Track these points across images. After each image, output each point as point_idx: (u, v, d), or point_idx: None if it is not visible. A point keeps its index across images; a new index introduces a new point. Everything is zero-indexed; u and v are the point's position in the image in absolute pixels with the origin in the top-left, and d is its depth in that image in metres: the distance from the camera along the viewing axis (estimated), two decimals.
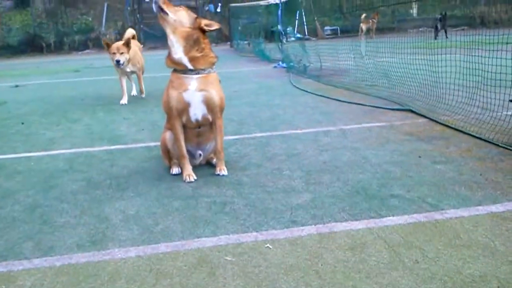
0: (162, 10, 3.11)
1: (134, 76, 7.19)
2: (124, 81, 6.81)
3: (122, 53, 6.25)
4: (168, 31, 3.14)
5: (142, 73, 7.11)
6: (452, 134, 4.07)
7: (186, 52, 3.12)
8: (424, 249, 2.10)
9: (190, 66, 3.14)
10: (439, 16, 16.69)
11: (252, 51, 15.21)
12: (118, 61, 6.25)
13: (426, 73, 5.45)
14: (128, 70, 6.67)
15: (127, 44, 6.33)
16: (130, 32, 7.01)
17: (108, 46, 6.35)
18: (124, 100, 6.69)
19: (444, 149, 3.63)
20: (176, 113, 3.20)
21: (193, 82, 3.16)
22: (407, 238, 2.22)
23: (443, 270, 1.92)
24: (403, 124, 4.53)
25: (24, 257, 2.23)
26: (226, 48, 19.28)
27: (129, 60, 6.45)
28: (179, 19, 3.12)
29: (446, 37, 14.45)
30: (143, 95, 7.18)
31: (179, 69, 3.18)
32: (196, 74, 3.16)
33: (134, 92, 7.41)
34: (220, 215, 2.61)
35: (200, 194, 2.96)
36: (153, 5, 3.13)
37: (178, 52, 3.13)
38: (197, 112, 3.21)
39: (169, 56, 3.19)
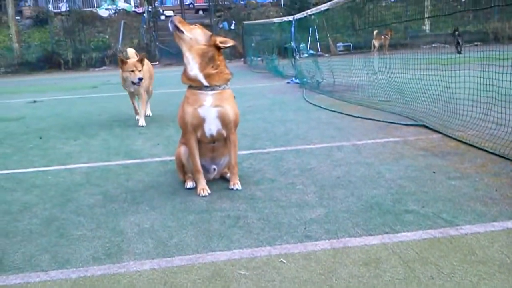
0: (178, 28, 3.17)
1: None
2: (135, 101, 6.50)
3: (140, 70, 5.90)
4: (184, 49, 3.19)
5: (150, 96, 6.86)
6: (466, 149, 4.05)
7: (202, 69, 3.17)
8: (439, 265, 2.09)
9: (205, 83, 3.19)
10: (457, 32, 16.68)
11: (265, 67, 15.31)
12: (140, 79, 5.86)
13: (440, 89, 5.44)
14: (133, 90, 6.26)
15: (141, 61, 6.00)
16: (131, 52, 6.83)
17: (124, 63, 5.97)
18: (142, 121, 6.26)
19: (458, 165, 3.61)
20: (191, 128, 3.24)
21: (208, 98, 3.20)
22: (422, 253, 2.21)
23: (458, 286, 1.91)
24: (417, 139, 4.51)
25: (40, 269, 2.26)
26: (239, 64, 19.44)
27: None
28: (195, 37, 3.18)
29: (460, 53, 14.40)
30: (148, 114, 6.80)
31: (194, 85, 3.23)
32: (211, 90, 3.20)
33: (148, 111, 6.99)
34: (233, 229, 2.63)
35: (214, 208, 2.98)
36: (169, 24, 3.20)
37: (194, 69, 3.18)
38: (212, 127, 3.25)
39: (185, 73, 3.24)
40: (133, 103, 6.52)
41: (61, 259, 2.35)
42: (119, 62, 6.09)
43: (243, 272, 2.13)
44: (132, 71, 5.88)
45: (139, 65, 5.94)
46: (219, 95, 3.22)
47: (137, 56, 6.32)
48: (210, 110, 3.20)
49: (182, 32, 3.17)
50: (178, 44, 3.24)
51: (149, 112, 6.95)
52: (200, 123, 3.22)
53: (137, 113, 6.46)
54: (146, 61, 6.30)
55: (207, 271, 2.15)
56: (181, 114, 3.31)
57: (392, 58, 7.41)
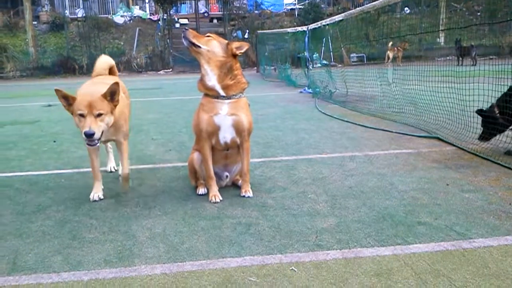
0: (193, 44, 3.19)
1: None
2: (96, 158, 3.48)
3: (99, 114, 3.02)
4: (202, 61, 3.20)
5: (126, 139, 3.53)
6: (480, 162, 4.02)
7: (220, 80, 3.19)
8: (451, 278, 2.07)
9: (222, 93, 3.21)
10: (460, 44, 16.84)
11: (278, 76, 15.35)
12: (89, 135, 2.97)
13: (454, 101, 5.41)
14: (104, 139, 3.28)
15: (111, 97, 3.09)
16: (104, 61, 3.91)
17: (68, 99, 3.11)
18: (97, 194, 3.41)
19: (472, 178, 3.58)
20: (206, 136, 3.25)
21: (224, 107, 3.22)
22: (434, 266, 2.19)
23: None
24: (431, 151, 4.49)
25: (53, 270, 2.28)
26: (252, 73, 19.49)
27: (111, 125, 3.17)
28: (212, 49, 3.18)
29: (462, 64, 14.44)
30: (126, 186, 3.57)
31: (211, 94, 3.25)
32: (228, 99, 3.23)
33: (112, 166, 4.28)
34: (245, 236, 2.63)
35: (225, 214, 2.99)
36: (183, 40, 3.21)
37: (212, 80, 3.19)
38: (227, 135, 3.27)
39: (202, 82, 3.25)
40: (93, 164, 3.46)
41: (73, 261, 2.37)
42: (60, 99, 3.13)
43: (253, 279, 2.12)
44: (81, 115, 3.01)
45: (100, 104, 3.02)
46: (235, 103, 3.24)
47: (111, 73, 3.89)
48: (225, 118, 3.22)
49: (199, 46, 3.18)
50: (196, 57, 3.25)
51: (113, 166, 4.28)
52: (215, 130, 3.24)
53: (97, 179, 3.48)
54: (121, 86, 3.37)
55: (217, 277, 2.15)
56: (196, 121, 3.33)
57: (406, 69, 7.39)
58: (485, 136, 4.40)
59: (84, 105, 2.97)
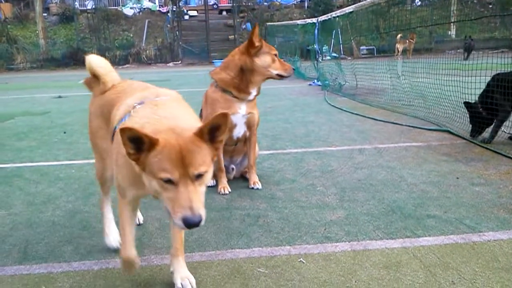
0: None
1: None
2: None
3: (199, 175, 1.62)
4: (260, 78, 3.25)
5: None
6: (491, 156, 3.98)
7: (258, 90, 3.29)
8: (461, 271, 2.06)
9: (251, 98, 3.26)
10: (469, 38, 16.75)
11: None
12: (194, 224, 1.61)
13: (464, 95, 5.36)
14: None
15: (213, 135, 1.66)
16: (93, 62, 2.37)
17: (142, 142, 1.56)
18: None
19: (483, 171, 3.55)
20: None
21: (243, 107, 3.26)
22: (443, 259, 2.18)
23: None
24: (441, 144, 4.46)
25: (63, 260, 2.30)
26: None
27: None
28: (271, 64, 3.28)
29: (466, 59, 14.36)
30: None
31: (233, 92, 3.22)
32: (248, 101, 3.27)
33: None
34: (253, 227, 2.63)
35: (234, 206, 3.00)
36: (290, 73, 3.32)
37: (254, 89, 3.26)
38: (240, 131, 3.31)
39: (234, 81, 3.20)
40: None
41: (83, 251, 2.39)
42: (128, 143, 1.57)
43: (262, 270, 2.13)
44: (170, 181, 1.59)
45: (199, 155, 1.62)
46: (251, 102, 3.30)
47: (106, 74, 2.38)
48: (242, 117, 3.26)
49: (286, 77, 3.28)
50: (248, 70, 3.19)
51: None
52: (231, 128, 3.25)
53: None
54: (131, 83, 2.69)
55: (226, 268, 2.16)
56: (208, 116, 3.25)
57: (416, 62, 7.32)
58: (475, 131, 4.54)
59: (174, 163, 1.56)
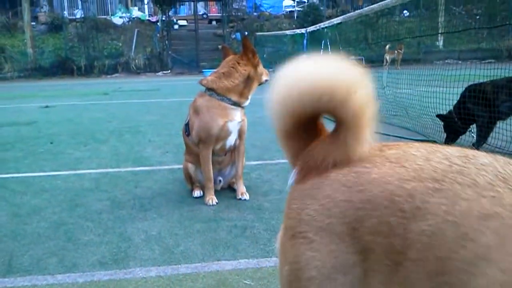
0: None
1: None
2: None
3: None
4: (256, 84, 3.37)
5: None
6: None
7: (251, 94, 3.37)
8: None
9: (245, 104, 3.33)
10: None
11: None
12: None
13: (450, 105, 5.41)
14: None
15: None
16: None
17: None
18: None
19: None
20: (215, 141, 3.25)
21: (238, 114, 3.28)
22: None
23: None
24: None
25: (48, 272, 2.28)
26: None
27: None
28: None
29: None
30: None
31: (233, 98, 3.26)
32: (242, 108, 3.33)
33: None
34: (240, 238, 2.63)
35: (221, 217, 2.99)
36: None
37: (250, 95, 3.35)
38: (232, 139, 3.32)
39: (238, 88, 3.26)
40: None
41: (68, 263, 2.37)
42: None
43: (248, 282, 2.12)
44: None
45: None
46: (243, 109, 3.35)
47: None
48: (237, 124, 3.28)
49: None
50: (251, 78, 3.31)
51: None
52: (226, 136, 3.27)
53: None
54: None
55: (212, 280, 2.15)
56: (204, 125, 3.22)
57: (402, 73, 7.40)
58: (450, 138, 4.77)
59: None
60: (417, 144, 0.99)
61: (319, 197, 0.95)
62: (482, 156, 0.89)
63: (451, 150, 0.92)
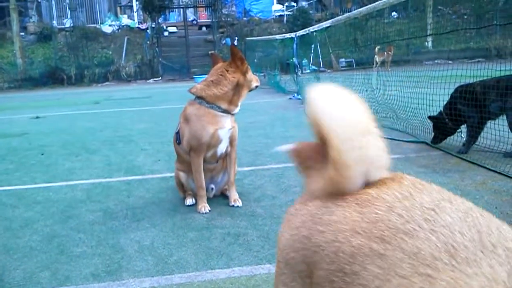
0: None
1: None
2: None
3: None
4: (245, 92, 3.35)
5: None
6: (467, 166, 4.05)
7: (241, 101, 3.36)
8: None
9: (235, 111, 3.31)
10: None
11: (267, 83, 15.40)
12: None
13: (440, 105, 5.45)
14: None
15: None
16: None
17: None
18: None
19: (459, 182, 3.61)
20: (205, 148, 3.25)
21: (228, 121, 3.28)
22: None
23: None
24: (419, 156, 4.52)
25: (41, 286, 2.27)
26: None
27: None
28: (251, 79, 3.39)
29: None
30: None
31: (223, 106, 3.25)
32: (232, 115, 3.32)
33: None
34: (233, 246, 2.63)
35: (214, 225, 2.99)
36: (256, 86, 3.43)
37: (240, 102, 3.33)
38: (223, 147, 3.31)
39: (227, 96, 3.25)
40: None
41: (61, 276, 2.36)
42: None
43: None
44: None
45: None
46: (233, 117, 3.35)
47: None
48: (228, 131, 3.28)
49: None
50: (240, 85, 3.30)
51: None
52: (217, 143, 3.26)
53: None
54: None
55: None
56: (194, 133, 3.21)
57: (392, 75, 7.44)
58: (438, 138, 4.84)
59: None
60: (407, 181, 0.90)
61: (292, 226, 0.90)
62: (451, 211, 0.75)
63: (426, 198, 0.81)
